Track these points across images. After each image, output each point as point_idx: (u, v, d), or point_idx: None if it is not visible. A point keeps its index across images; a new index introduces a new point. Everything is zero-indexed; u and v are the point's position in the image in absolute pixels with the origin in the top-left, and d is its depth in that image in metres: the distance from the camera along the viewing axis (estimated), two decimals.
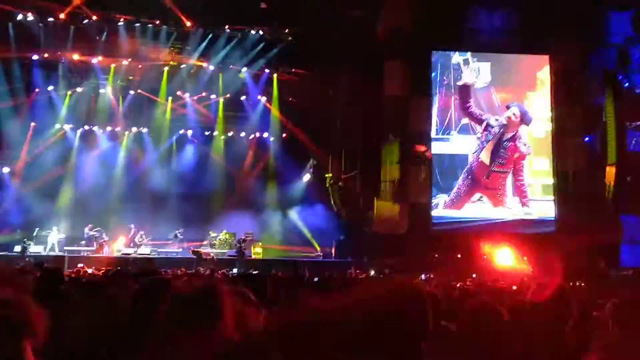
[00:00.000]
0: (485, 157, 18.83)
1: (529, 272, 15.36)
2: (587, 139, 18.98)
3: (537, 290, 3.68)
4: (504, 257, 17.39)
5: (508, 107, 19.02)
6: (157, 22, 18.74)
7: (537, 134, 19.20)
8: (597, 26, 18.83)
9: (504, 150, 18.84)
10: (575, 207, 17.86)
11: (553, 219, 18.43)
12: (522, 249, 17.42)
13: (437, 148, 19.00)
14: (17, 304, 1.74)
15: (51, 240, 17.44)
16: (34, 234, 17.53)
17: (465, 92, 19.11)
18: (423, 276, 12.77)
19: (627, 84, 18.60)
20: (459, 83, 19.14)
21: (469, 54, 19.28)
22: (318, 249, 19.01)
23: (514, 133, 18.92)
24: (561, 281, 3.47)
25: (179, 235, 18.56)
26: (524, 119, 18.97)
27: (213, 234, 19.09)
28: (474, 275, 13.97)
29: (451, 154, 19.06)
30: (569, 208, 18.02)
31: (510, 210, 18.62)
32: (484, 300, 3.46)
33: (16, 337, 1.70)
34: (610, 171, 18.08)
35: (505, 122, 18.92)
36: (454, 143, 19.08)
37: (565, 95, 18.77)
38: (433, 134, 19.04)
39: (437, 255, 17.10)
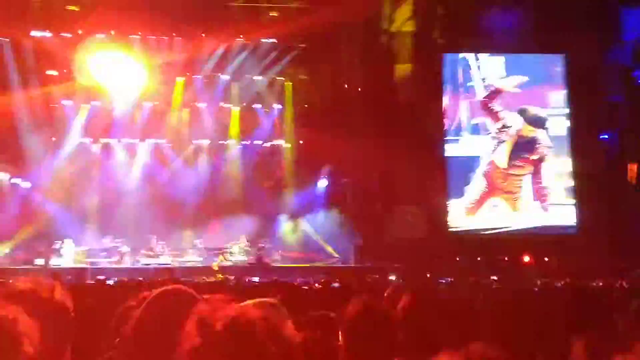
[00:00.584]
0: (501, 159, 18.57)
1: None
2: (605, 137, 18.83)
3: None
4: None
5: (522, 111, 18.79)
6: (172, 33, 18.89)
7: (556, 131, 18.96)
8: (612, 23, 18.73)
9: (522, 151, 18.61)
10: (596, 207, 17.66)
11: (575, 223, 18.18)
12: (541, 252, 17.29)
13: (446, 150, 18.78)
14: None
15: (66, 253, 17.57)
16: (55, 246, 17.70)
17: (494, 93, 18.89)
18: (442, 280, 12.74)
19: None
20: (491, 84, 18.84)
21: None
22: (335, 254, 18.96)
23: (532, 135, 18.72)
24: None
25: (199, 244, 18.67)
26: (538, 123, 18.75)
27: (231, 242, 19.14)
28: (495, 278, 13.88)
29: (462, 157, 18.76)
30: (590, 209, 17.82)
31: (530, 215, 18.28)
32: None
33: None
34: (632, 168, 17.88)
35: (521, 125, 18.75)
36: (464, 144, 18.80)
37: (582, 94, 18.62)
38: None
39: (458, 259, 17.02)
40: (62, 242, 17.76)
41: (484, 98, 18.82)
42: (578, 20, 17.86)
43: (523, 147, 18.64)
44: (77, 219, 18.75)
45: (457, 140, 18.77)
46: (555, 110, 19.08)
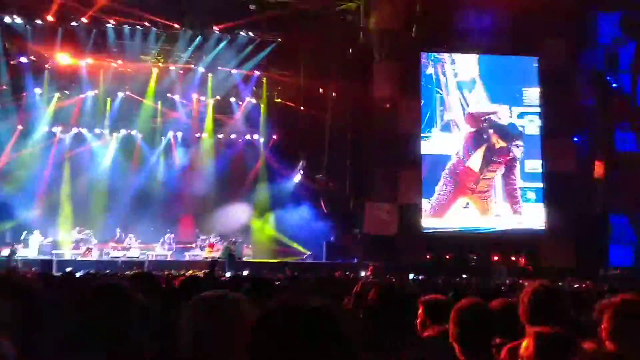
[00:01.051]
0: (475, 162, 18.58)
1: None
2: (575, 139, 19.07)
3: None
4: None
5: (494, 126, 18.87)
6: (146, 23, 18.60)
7: (529, 131, 19.14)
8: (586, 27, 18.96)
9: (496, 155, 18.71)
10: (564, 207, 17.88)
11: (544, 224, 18.36)
12: (510, 252, 17.47)
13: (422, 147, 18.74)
14: None
15: (33, 244, 17.27)
16: (22, 237, 17.39)
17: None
18: (411, 276, 12.80)
19: (615, 85, 18.73)
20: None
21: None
22: (305, 251, 18.93)
23: (503, 145, 18.83)
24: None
25: (167, 239, 18.49)
26: (508, 138, 18.86)
27: (203, 237, 19.02)
28: (465, 276, 13.97)
29: (431, 155, 18.80)
30: (558, 209, 18.03)
31: (500, 218, 18.40)
32: None
33: None
34: (599, 167, 18.14)
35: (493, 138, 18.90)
36: (434, 142, 18.83)
37: (555, 96, 18.81)
38: None
39: (428, 257, 17.12)
40: (29, 232, 17.46)
41: (470, 128, 18.83)
42: (553, 23, 18.06)
43: (495, 151, 18.76)
44: (45, 209, 18.42)
45: (429, 137, 18.79)
46: (529, 108, 19.23)
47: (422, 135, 18.70)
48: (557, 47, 18.55)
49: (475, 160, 18.64)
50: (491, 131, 18.87)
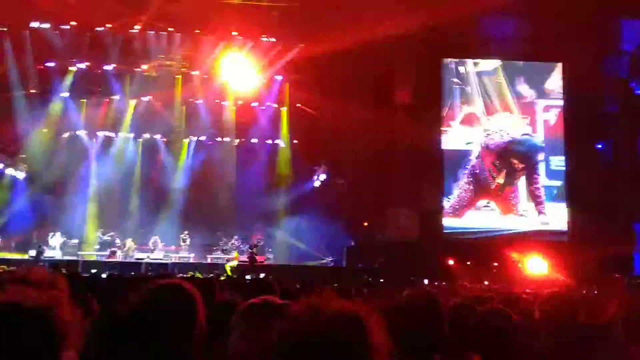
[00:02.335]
0: (498, 180, 18.45)
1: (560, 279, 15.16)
2: (599, 146, 18.95)
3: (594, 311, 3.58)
4: (534, 265, 17.16)
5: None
6: (170, 29, 18.85)
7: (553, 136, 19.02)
8: (610, 34, 18.85)
9: (518, 172, 18.58)
10: (588, 215, 17.75)
11: (566, 228, 18.25)
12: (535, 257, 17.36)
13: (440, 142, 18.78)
14: (54, 311, 1.56)
15: (53, 244, 17.52)
16: (49, 238, 17.70)
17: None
18: (426, 281, 12.88)
19: (639, 92, 18.60)
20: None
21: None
22: (326, 255, 18.99)
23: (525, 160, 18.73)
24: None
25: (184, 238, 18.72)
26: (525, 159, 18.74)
27: (225, 240, 19.18)
28: (486, 282, 13.97)
29: (451, 150, 18.61)
30: (582, 216, 17.90)
31: (524, 218, 18.29)
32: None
33: (53, 347, 1.53)
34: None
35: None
36: (454, 136, 18.71)
37: (578, 103, 18.73)
38: None
39: (451, 262, 17.08)
40: (53, 234, 17.75)
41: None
42: (576, 30, 17.98)
43: (517, 170, 18.65)
44: (70, 211, 18.71)
45: (447, 130, 18.70)
46: (553, 101, 19.11)
47: (442, 128, 18.66)
48: (581, 54, 18.45)
49: (498, 180, 18.59)
50: (511, 159, 18.77)
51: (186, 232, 18.89)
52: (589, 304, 3.74)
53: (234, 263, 17.03)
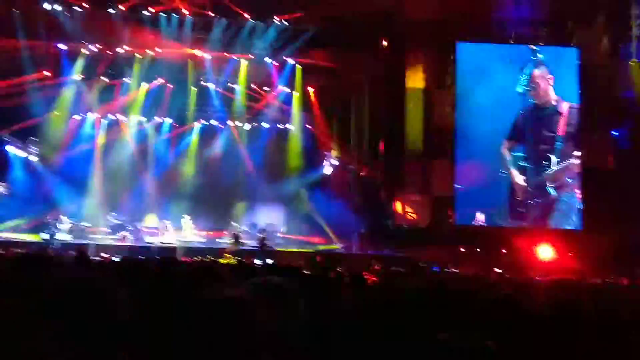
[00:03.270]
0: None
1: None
2: (616, 133, 18.63)
3: None
4: (544, 252, 17.01)
5: None
6: (183, 11, 18.73)
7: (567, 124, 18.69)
8: (627, 17, 18.44)
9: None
10: (603, 204, 17.51)
11: (580, 219, 18.03)
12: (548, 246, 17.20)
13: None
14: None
15: (63, 228, 17.60)
16: (58, 222, 17.79)
17: None
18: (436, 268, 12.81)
19: None
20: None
21: None
22: (337, 241, 18.96)
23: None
24: None
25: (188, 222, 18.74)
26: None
27: (234, 224, 19.20)
28: (498, 270, 13.84)
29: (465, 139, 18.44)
30: (598, 205, 17.66)
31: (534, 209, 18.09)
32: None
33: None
34: None
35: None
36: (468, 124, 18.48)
37: (594, 88, 18.39)
38: None
39: (462, 249, 16.98)
40: (63, 217, 17.85)
41: None
42: (592, 14, 17.64)
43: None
44: (81, 194, 18.82)
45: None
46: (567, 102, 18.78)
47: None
48: (598, 38, 18.11)
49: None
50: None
51: (188, 216, 18.87)
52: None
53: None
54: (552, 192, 18.26)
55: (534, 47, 18.50)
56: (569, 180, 18.27)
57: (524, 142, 18.43)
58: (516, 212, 18.19)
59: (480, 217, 17.93)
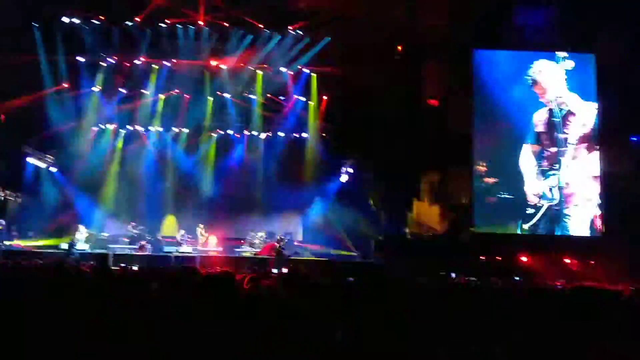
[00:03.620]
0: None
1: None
2: (634, 139, 18.45)
3: None
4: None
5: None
6: (199, 22, 18.90)
7: (585, 130, 18.54)
8: None
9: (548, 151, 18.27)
10: (622, 210, 17.32)
11: (600, 226, 17.84)
12: (565, 253, 17.04)
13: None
14: None
15: (81, 238, 17.76)
16: (77, 232, 17.97)
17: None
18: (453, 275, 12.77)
19: None
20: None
21: None
22: (353, 249, 18.94)
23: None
24: None
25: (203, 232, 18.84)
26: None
27: (252, 233, 19.26)
28: (517, 278, 13.73)
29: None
30: (617, 212, 17.47)
31: (553, 216, 17.93)
32: None
33: None
34: None
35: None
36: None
37: (612, 93, 18.22)
38: None
39: (483, 258, 16.85)
40: (81, 227, 18.02)
41: None
42: (609, 19, 17.49)
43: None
44: (101, 204, 19.01)
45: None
46: (585, 107, 18.62)
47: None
48: (615, 43, 17.93)
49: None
50: None
51: (205, 225, 18.95)
52: None
53: None
54: (563, 196, 18.11)
55: (559, 54, 18.48)
56: (583, 184, 18.11)
57: (540, 144, 18.31)
58: (529, 218, 18.06)
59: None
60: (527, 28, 18.59)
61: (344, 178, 20.32)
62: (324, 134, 20.77)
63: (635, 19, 17.67)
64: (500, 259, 17.19)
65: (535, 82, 18.42)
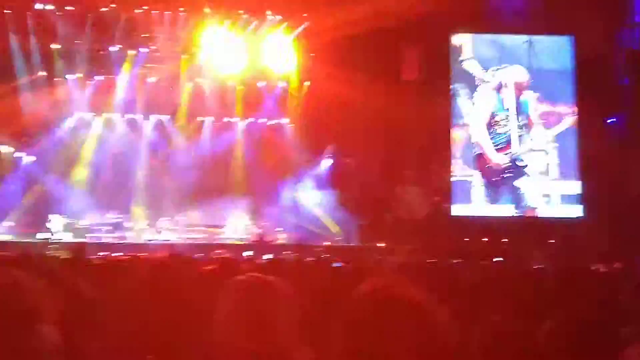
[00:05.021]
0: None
1: None
2: (612, 120, 18.64)
3: None
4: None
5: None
6: (181, 9, 18.68)
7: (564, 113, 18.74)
8: (622, 5, 18.46)
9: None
10: (601, 192, 17.53)
11: (580, 207, 18.07)
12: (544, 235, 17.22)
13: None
14: (28, 289, 1.74)
15: (54, 227, 17.50)
16: (54, 221, 17.73)
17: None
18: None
19: None
20: None
21: None
22: (336, 234, 18.92)
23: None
24: None
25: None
26: None
27: (230, 219, 19.16)
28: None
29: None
30: (595, 193, 17.68)
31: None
32: None
33: (29, 322, 1.70)
34: None
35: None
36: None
37: (590, 76, 18.38)
38: None
39: (467, 239, 16.96)
40: (58, 216, 17.76)
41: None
42: (587, 3, 17.60)
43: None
44: (78, 193, 18.76)
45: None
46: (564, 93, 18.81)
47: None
48: (593, 26, 18.04)
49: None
50: None
51: (185, 212, 18.81)
52: None
53: None
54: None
55: (527, 38, 18.62)
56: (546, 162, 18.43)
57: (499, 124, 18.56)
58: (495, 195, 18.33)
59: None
60: (503, 11, 18.63)
61: (326, 163, 20.22)
62: (304, 120, 20.63)
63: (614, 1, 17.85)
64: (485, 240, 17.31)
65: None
